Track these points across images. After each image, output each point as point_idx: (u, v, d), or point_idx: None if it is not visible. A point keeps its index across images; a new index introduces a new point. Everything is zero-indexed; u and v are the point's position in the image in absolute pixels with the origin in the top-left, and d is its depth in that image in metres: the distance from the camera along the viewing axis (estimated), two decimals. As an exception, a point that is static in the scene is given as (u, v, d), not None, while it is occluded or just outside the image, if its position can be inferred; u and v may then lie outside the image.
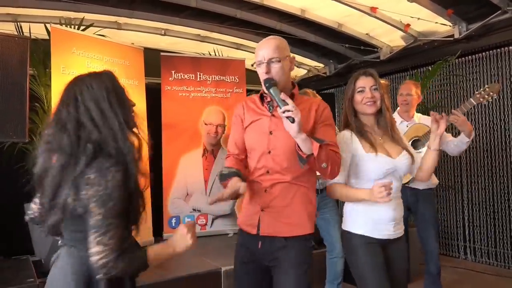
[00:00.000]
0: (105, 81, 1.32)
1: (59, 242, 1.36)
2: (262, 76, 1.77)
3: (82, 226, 1.23)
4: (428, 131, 2.95)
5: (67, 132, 1.24)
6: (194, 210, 4.50)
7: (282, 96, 1.61)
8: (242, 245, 1.87)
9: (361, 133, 1.98)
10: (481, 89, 2.71)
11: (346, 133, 2.00)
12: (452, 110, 2.70)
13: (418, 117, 3.25)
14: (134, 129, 1.33)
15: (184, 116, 4.51)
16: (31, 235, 3.85)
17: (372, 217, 1.94)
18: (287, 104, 1.58)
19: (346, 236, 2.00)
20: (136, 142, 1.32)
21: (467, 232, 4.72)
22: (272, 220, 1.76)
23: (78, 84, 1.30)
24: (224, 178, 1.76)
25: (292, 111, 1.56)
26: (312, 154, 1.61)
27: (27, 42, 2.32)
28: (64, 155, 1.23)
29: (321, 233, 3.16)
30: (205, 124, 4.59)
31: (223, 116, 4.67)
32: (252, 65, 1.83)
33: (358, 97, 2.00)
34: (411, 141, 3.05)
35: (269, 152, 1.77)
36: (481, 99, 2.69)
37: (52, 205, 1.24)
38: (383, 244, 1.95)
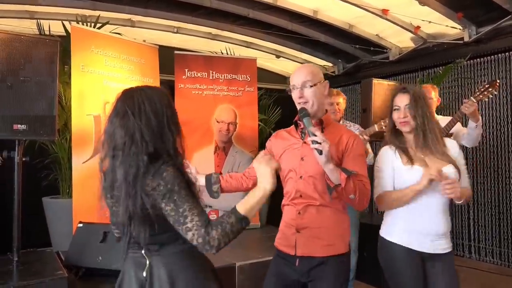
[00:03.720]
0: (164, 97, 1.40)
1: (141, 253, 1.39)
2: (296, 100, 1.86)
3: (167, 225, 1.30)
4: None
5: (135, 141, 1.30)
6: (205, 205, 4.58)
7: (312, 129, 1.69)
8: (280, 261, 1.93)
9: (401, 148, 2.01)
10: (480, 86, 2.74)
11: (389, 150, 2.04)
12: (464, 100, 2.74)
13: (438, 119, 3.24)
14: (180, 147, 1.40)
15: (197, 113, 4.57)
16: (48, 228, 3.96)
17: (410, 228, 1.97)
18: (316, 136, 1.65)
19: (384, 243, 2.03)
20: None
21: (472, 232, 4.82)
22: (307, 241, 1.83)
23: (141, 94, 1.37)
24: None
25: (320, 143, 1.63)
26: (340, 184, 1.69)
27: (57, 43, 2.39)
28: (134, 165, 1.29)
29: None
30: (217, 121, 4.67)
31: (235, 114, 4.74)
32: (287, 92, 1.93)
33: (394, 115, 2.02)
34: None
35: (301, 177, 1.85)
36: (481, 96, 2.72)
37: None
38: (423, 258, 1.98)
